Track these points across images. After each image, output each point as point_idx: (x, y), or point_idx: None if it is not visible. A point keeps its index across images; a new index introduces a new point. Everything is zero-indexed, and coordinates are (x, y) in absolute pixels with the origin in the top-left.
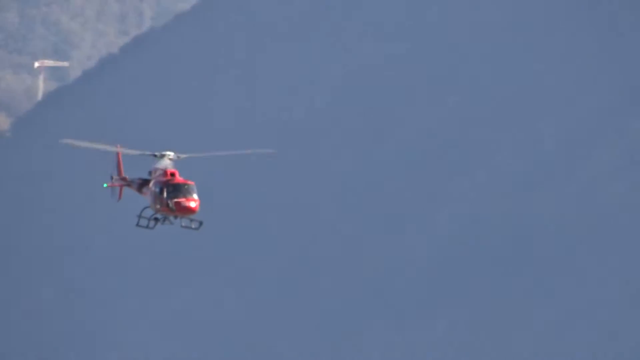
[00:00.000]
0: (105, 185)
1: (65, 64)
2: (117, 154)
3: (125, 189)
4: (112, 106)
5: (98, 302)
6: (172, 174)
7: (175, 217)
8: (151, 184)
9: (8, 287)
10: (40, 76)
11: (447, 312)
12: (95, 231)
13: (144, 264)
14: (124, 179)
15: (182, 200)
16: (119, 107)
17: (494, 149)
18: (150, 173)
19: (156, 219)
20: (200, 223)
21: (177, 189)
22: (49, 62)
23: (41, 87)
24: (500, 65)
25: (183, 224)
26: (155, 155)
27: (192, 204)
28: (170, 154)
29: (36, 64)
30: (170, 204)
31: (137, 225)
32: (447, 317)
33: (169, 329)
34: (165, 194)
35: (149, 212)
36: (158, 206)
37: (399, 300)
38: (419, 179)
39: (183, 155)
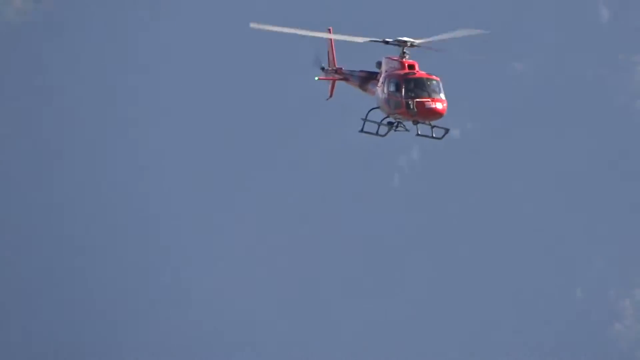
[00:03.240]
0: (316, 78)
1: None
2: (329, 38)
3: (339, 84)
4: None
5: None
6: (411, 66)
7: (415, 122)
8: (381, 79)
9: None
10: None
11: None
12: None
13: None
14: (337, 70)
15: (426, 100)
16: None
17: None
18: (377, 64)
19: (390, 124)
20: (447, 130)
21: (419, 86)
22: None
23: None
24: None
25: (420, 132)
26: (386, 42)
27: (439, 106)
28: (408, 40)
29: None
30: (411, 104)
31: (362, 131)
32: None
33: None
34: (403, 92)
35: (377, 115)
36: (392, 108)
37: None
38: None
39: (418, 41)
